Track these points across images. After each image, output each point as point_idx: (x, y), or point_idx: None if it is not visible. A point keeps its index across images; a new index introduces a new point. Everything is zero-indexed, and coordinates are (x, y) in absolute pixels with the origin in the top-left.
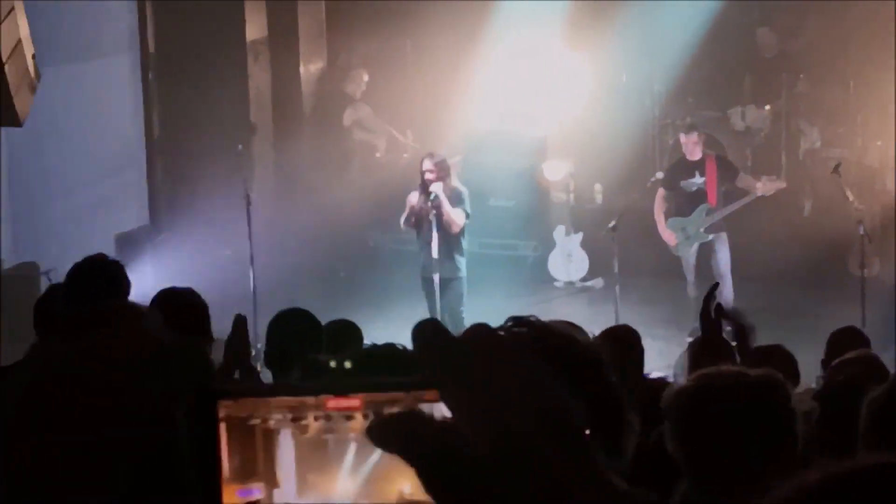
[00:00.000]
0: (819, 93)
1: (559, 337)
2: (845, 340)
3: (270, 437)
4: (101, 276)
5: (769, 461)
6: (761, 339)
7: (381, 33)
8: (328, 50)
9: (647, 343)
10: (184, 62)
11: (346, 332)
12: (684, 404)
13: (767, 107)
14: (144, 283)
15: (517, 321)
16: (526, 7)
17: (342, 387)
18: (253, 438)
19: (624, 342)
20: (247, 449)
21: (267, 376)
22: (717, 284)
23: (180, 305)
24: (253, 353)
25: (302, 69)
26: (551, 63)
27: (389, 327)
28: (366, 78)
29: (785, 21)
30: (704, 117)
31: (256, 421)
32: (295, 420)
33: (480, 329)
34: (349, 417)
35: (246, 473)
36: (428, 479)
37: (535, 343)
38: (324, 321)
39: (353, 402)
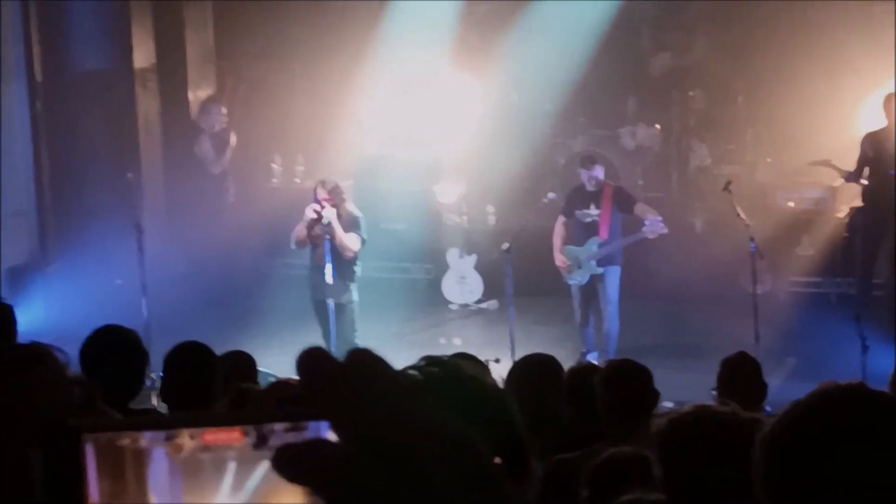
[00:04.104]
0: (708, 109)
1: (469, 379)
2: (737, 366)
3: (141, 457)
4: None
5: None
6: (655, 358)
7: (269, 59)
8: (217, 76)
9: None
10: (72, 90)
11: (241, 363)
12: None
13: (657, 125)
14: (35, 315)
15: (430, 360)
16: (415, 30)
17: (222, 418)
18: (122, 460)
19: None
20: (116, 471)
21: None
22: None
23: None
24: (149, 383)
25: (191, 96)
26: (441, 85)
27: (284, 354)
28: (223, 111)
29: (674, 39)
30: (595, 136)
31: (125, 441)
32: (168, 439)
33: (365, 355)
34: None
35: (116, 498)
36: None
37: (445, 384)
38: (218, 351)
39: (234, 434)
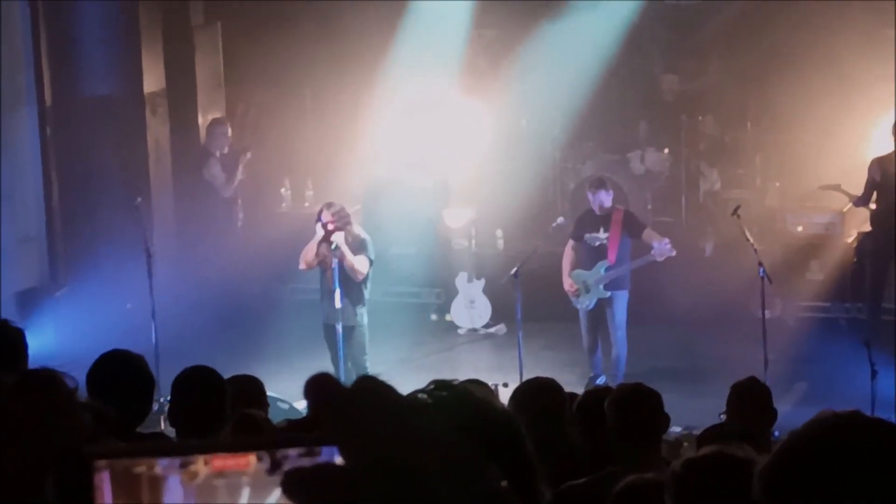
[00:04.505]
0: (718, 134)
1: (479, 403)
2: (747, 391)
3: (157, 484)
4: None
5: None
6: (664, 383)
7: (279, 83)
8: (227, 101)
9: None
10: (81, 115)
11: (250, 388)
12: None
13: (666, 150)
14: (44, 339)
15: (439, 384)
16: (424, 55)
17: (233, 444)
18: (139, 487)
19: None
20: (132, 498)
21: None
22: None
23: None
24: (156, 407)
25: (200, 121)
26: (450, 110)
27: (293, 379)
28: (229, 133)
29: (684, 64)
30: (604, 161)
31: (142, 469)
32: (183, 466)
33: (371, 381)
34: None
35: None
36: None
37: (455, 408)
38: (227, 375)
39: (244, 459)
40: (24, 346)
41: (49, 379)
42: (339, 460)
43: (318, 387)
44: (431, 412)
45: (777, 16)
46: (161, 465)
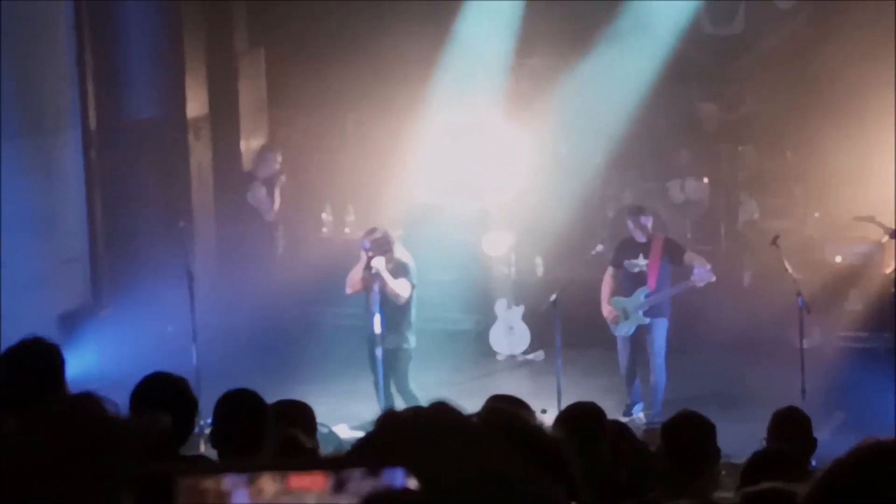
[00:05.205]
0: (758, 164)
1: (531, 429)
2: (787, 419)
3: (223, 500)
4: (34, 362)
5: None
6: (702, 410)
7: (321, 109)
8: (269, 126)
9: None
10: (125, 139)
11: (296, 413)
12: None
13: (706, 178)
14: (87, 360)
15: (498, 397)
16: (466, 81)
17: (303, 463)
18: (205, 501)
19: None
20: None
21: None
22: None
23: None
24: (197, 430)
25: (243, 145)
26: (491, 136)
27: (333, 402)
28: (279, 159)
29: (724, 93)
30: (644, 189)
31: (209, 483)
32: (251, 482)
33: (442, 406)
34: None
35: None
36: None
37: (509, 433)
38: (268, 398)
39: (317, 479)
40: (61, 361)
41: (96, 400)
42: (403, 482)
43: (389, 417)
44: (498, 438)
45: (816, 46)
46: (227, 482)
